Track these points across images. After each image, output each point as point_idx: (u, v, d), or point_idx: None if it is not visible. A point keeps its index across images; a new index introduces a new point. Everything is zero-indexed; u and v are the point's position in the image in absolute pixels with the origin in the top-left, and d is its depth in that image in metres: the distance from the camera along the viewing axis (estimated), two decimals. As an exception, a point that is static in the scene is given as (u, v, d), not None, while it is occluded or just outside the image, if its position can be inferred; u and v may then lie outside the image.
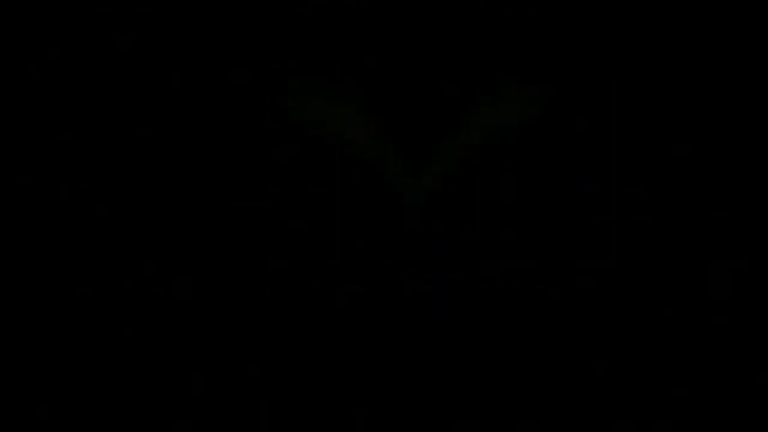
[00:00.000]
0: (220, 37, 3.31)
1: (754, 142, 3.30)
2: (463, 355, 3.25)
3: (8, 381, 3.19)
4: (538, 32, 3.33)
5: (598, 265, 3.28)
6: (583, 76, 3.32)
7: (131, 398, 3.20)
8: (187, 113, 3.30)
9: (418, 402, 3.22)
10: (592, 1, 3.31)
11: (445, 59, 3.32)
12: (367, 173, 3.29)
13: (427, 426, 3.20)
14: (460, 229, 3.30)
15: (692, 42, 3.32)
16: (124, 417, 3.19)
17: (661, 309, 3.25)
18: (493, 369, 3.24)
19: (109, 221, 3.26)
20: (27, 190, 3.26)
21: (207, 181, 3.29)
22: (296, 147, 3.31)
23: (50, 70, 3.29)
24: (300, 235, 3.29)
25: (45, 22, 3.29)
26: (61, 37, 3.29)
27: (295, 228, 3.29)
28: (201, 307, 3.25)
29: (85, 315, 3.23)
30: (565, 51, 3.32)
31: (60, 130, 3.28)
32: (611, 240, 3.28)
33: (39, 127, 3.28)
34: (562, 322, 3.26)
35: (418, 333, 3.26)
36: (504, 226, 3.30)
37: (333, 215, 3.30)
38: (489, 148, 3.31)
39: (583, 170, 3.30)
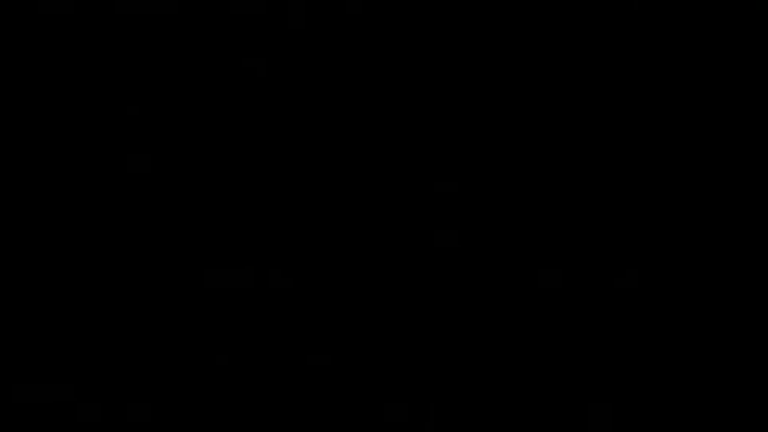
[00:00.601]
0: (220, 36, 3.31)
1: (754, 142, 3.30)
2: (462, 355, 3.25)
3: (8, 381, 3.19)
4: (538, 33, 3.33)
5: (599, 265, 3.28)
6: (583, 76, 3.33)
7: (131, 398, 3.20)
8: (188, 113, 3.30)
9: (419, 401, 3.22)
10: (592, 1, 3.32)
11: (445, 59, 3.33)
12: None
13: (427, 426, 3.21)
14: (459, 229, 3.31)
15: (692, 42, 3.32)
16: (124, 417, 3.19)
17: (661, 309, 3.26)
18: (493, 368, 3.25)
19: (109, 221, 3.27)
20: (27, 190, 3.26)
21: (207, 181, 3.29)
22: (296, 147, 3.32)
23: (50, 70, 3.29)
24: (300, 235, 3.29)
25: (45, 22, 3.29)
26: (60, 36, 3.29)
27: (295, 229, 3.29)
28: (201, 307, 3.25)
29: (85, 315, 3.23)
30: (566, 52, 3.33)
31: (60, 130, 3.29)
32: (611, 240, 3.29)
33: (39, 127, 3.29)
34: (562, 322, 3.26)
35: (418, 333, 3.26)
36: (504, 226, 3.30)
37: (331, 215, 3.30)
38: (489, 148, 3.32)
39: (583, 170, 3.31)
